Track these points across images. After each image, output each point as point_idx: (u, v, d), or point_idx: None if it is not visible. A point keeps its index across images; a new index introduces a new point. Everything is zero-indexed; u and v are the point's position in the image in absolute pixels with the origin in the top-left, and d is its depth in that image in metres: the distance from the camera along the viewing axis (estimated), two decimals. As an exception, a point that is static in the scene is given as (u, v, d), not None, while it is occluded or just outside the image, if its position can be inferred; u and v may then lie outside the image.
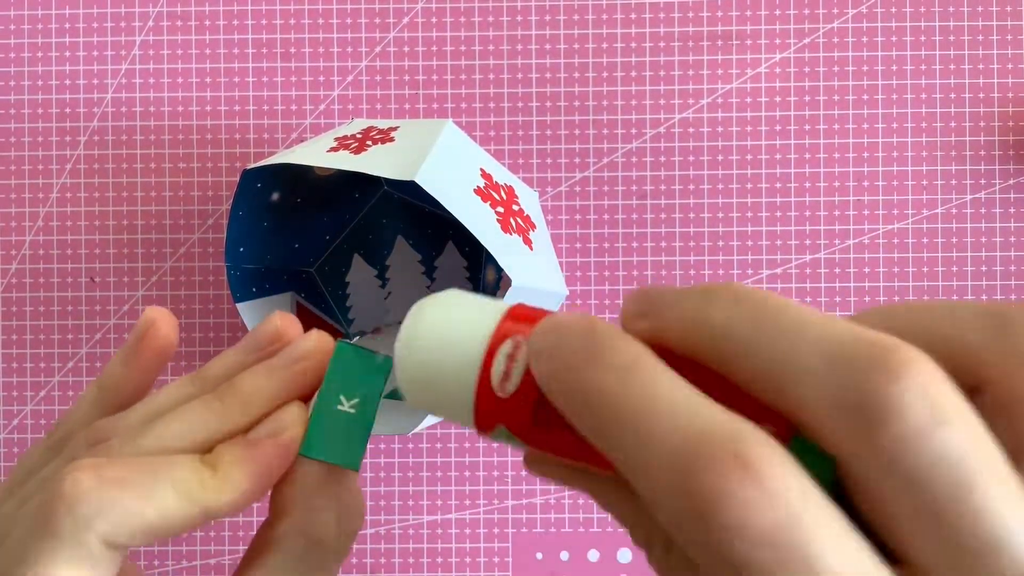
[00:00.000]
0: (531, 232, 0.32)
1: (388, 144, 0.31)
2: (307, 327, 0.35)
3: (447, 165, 0.30)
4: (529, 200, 0.34)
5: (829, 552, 0.13)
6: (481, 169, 0.32)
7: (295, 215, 0.37)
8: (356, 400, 0.23)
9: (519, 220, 0.32)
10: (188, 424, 0.22)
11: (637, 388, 0.15)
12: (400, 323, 0.37)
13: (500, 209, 0.31)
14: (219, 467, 0.21)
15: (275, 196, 0.36)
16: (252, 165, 0.33)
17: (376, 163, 0.30)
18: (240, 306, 0.34)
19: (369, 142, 0.31)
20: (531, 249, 0.31)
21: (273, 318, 0.23)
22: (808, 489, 0.14)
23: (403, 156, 0.30)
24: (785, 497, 0.13)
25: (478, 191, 0.31)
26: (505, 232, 0.30)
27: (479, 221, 0.29)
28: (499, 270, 0.38)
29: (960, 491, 0.13)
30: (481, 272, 0.39)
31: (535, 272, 0.31)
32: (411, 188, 0.38)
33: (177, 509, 0.20)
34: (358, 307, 0.39)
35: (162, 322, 0.25)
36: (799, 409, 0.14)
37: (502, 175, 0.33)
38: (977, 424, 0.14)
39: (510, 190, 0.32)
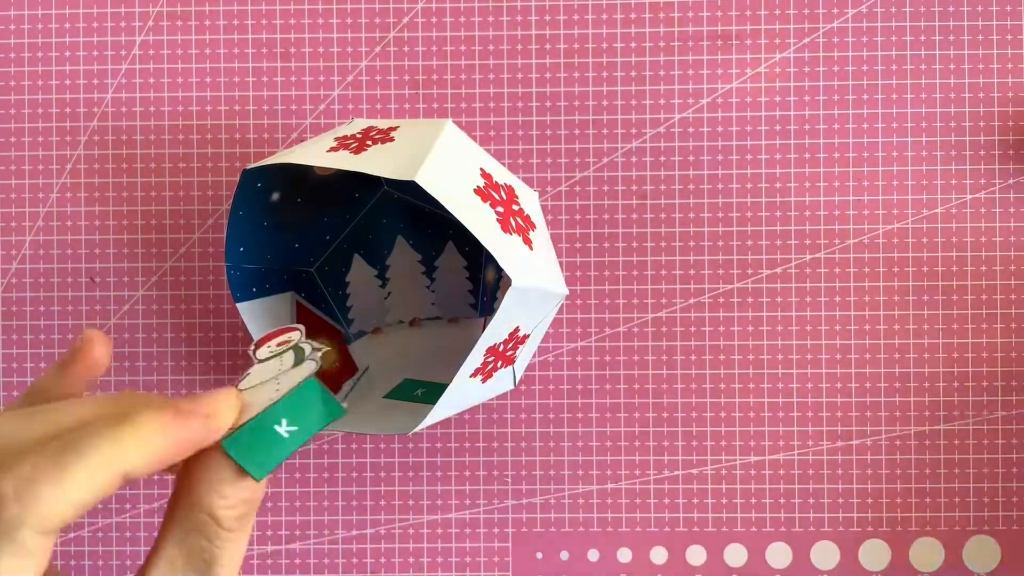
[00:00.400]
0: (531, 232, 0.32)
1: (388, 144, 0.31)
2: (308, 327, 0.35)
3: (447, 165, 0.30)
4: (529, 200, 0.34)
5: None
6: (481, 169, 0.32)
7: (295, 215, 0.36)
8: (295, 428, 0.24)
9: (519, 220, 0.32)
10: (84, 408, 0.24)
11: None
12: (400, 322, 0.37)
13: (500, 209, 0.31)
14: (139, 429, 0.23)
15: (275, 196, 0.36)
16: (252, 165, 0.33)
17: (376, 163, 0.30)
18: (240, 306, 0.34)
19: (369, 142, 0.31)
20: (531, 249, 0.31)
21: (85, 334, 0.27)
22: None
23: (403, 156, 0.30)
24: None
25: (478, 191, 0.31)
26: (505, 232, 0.30)
27: (479, 221, 0.29)
28: (499, 270, 0.38)
29: None
30: (481, 272, 0.39)
31: (535, 272, 0.31)
32: (411, 188, 0.38)
33: (98, 482, 0.22)
34: (358, 307, 0.39)
35: (97, 343, 0.27)
36: None
37: (502, 175, 0.33)
38: None
39: (510, 190, 0.32)
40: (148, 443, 0.22)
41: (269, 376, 0.27)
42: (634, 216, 0.39)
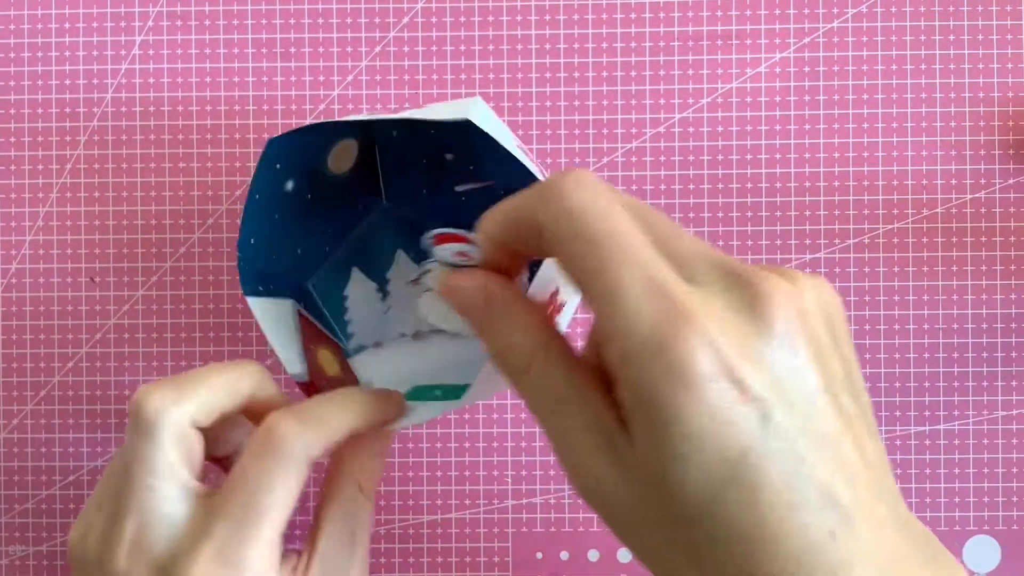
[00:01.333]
0: None
1: (424, 108, 0.31)
2: (312, 340, 0.35)
3: (491, 120, 0.31)
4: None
5: (623, 218, 0.24)
6: (516, 136, 0.33)
7: (302, 214, 0.36)
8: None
9: None
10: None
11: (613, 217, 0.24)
12: (403, 336, 0.37)
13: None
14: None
15: (289, 185, 0.35)
16: (281, 135, 0.32)
17: (424, 113, 0.31)
18: (251, 301, 0.33)
19: (407, 105, 0.32)
20: None
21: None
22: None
23: (446, 111, 0.31)
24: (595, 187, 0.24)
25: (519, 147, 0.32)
26: None
27: (531, 164, 0.31)
28: None
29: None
30: None
31: None
32: (413, 203, 0.38)
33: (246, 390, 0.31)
34: (358, 321, 0.38)
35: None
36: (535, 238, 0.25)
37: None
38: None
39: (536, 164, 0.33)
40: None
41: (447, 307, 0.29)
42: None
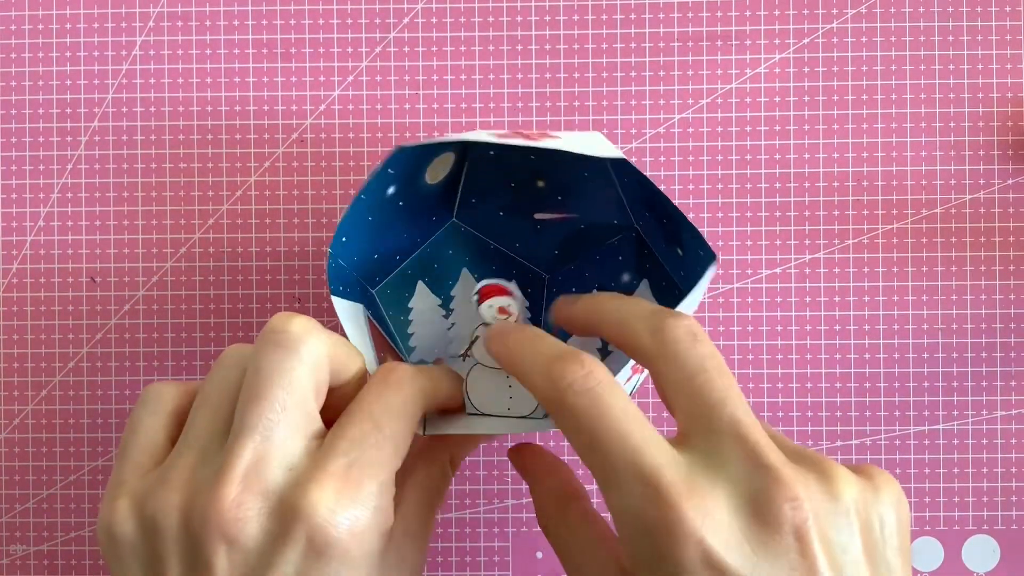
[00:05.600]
0: None
1: (556, 138, 0.31)
2: (380, 348, 0.35)
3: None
4: None
5: (618, 401, 0.26)
6: None
7: (392, 220, 0.35)
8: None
9: None
10: None
11: (531, 340, 0.29)
12: (462, 356, 0.37)
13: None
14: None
15: (391, 190, 0.34)
16: (411, 144, 0.30)
17: (567, 144, 0.30)
18: (337, 301, 0.32)
19: (536, 132, 0.32)
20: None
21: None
22: (609, 375, 0.27)
23: (590, 144, 0.31)
24: (597, 374, 0.26)
25: None
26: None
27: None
28: None
29: (698, 371, 0.26)
30: (542, 314, 0.38)
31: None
32: (484, 223, 0.37)
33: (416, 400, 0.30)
34: (420, 335, 0.37)
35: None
36: (632, 345, 0.28)
37: None
38: (706, 344, 0.27)
39: None
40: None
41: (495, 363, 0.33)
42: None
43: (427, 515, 0.31)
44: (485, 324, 0.35)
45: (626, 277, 0.37)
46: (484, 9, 0.40)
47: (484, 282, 0.35)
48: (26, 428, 0.40)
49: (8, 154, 0.40)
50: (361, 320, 0.34)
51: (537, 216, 0.37)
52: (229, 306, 0.40)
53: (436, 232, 0.38)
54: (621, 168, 0.34)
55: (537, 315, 0.38)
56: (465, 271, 0.38)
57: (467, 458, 0.40)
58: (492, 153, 0.35)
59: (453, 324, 0.38)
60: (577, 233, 0.37)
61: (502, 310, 0.35)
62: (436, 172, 0.35)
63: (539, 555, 0.40)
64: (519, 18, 0.40)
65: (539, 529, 0.39)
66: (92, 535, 0.40)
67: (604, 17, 0.39)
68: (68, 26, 0.40)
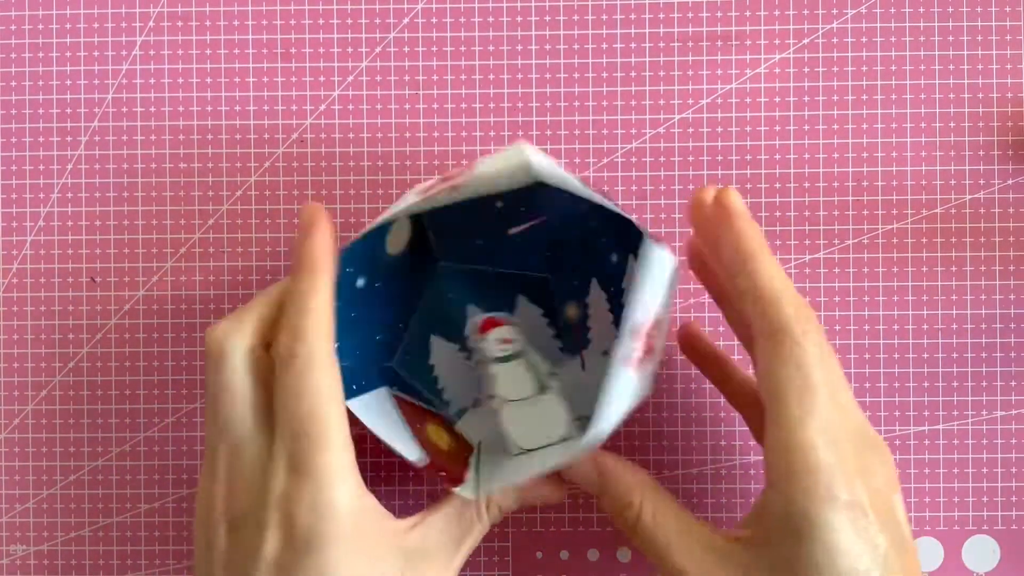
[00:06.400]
0: None
1: (471, 171, 0.31)
2: (416, 420, 0.35)
3: (544, 162, 0.31)
4: None
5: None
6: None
7: (374, 303, 0.36)
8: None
9: None
10: None
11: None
12: (489, 398, 0.37)
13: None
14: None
15: (360, 282, 0.35)
16: (352, 241, 0.32)
17: (476, 182, 0.31)
18: (351, 403, 0.33)
19: (454, 173, 0.32)
20: None
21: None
22: None
23: (499, 166, 0.31)
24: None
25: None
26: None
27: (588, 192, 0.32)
28: (583, 306, 0.37)
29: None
30: (560, 315, 0.38)
31: None
32: (469, 256, 0.37)
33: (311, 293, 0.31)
34: (450, 387, 0.37)
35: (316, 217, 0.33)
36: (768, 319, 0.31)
37: None
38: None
39: None
40: (321, 263, 0.32)
41: (522, 391, 0.36)
42: (634, 217, 0.39)
43: (454, 544, 0.33)
44: (496, 359, 0.36)
45: (614, 258, 0.36)
46: (484, 9, 0.40)
47: (477, 319, 0.36)
48: (26, 428, 0.40)
49: (8, 154, 0.40)
50: (387, 405, 0.35)
51: (511, 232, 0.37)
52: (229, 306, 0.40)
53: (427, 284, 0.38)
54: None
55: (554, 317, 0.38)
56: (471, 307, 0.38)
57: (467, 458, 0.40)
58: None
59: (478, 363, 0.38)
60: (555, 228, 0.37)
61: (505, 340, 0.36)
62: (397, 242, 0.36)
63: (539, 555, 0.40)
64: (519, 18, 0.40)
65: (539, 529, 0.39)
66: (92, 535, 0.40)
67: (604, 17, 0.39)
68: (68, 26, 0.40)
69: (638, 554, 0.39)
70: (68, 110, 0.40)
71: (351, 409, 0.32)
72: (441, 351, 0.37)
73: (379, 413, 0.34)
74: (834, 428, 0.30)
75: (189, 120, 0.40)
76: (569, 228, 0.37)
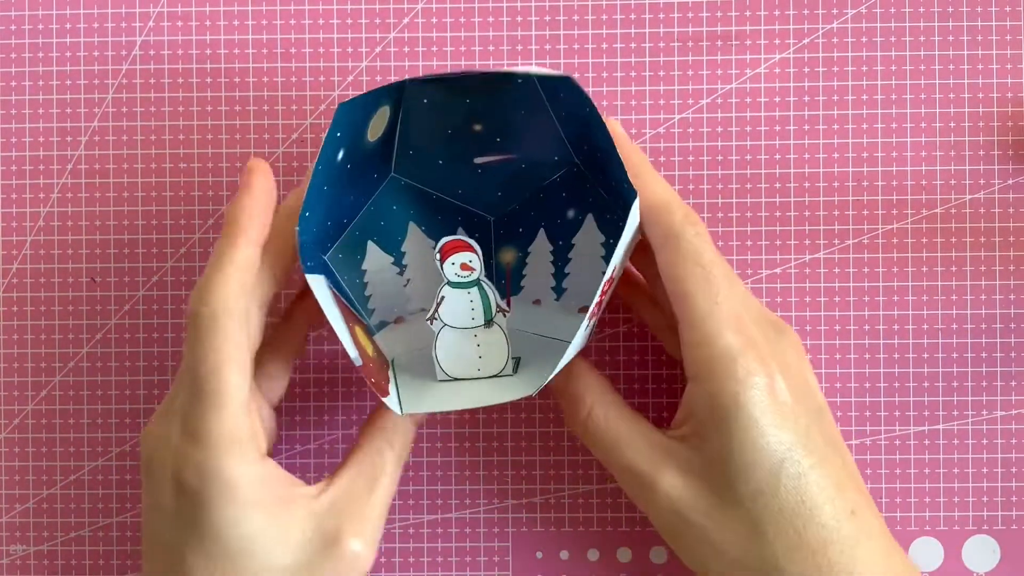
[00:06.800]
0: None
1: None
2: (348, 319, 0.35)
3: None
4: None
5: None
6: None
7: (341, 184, 0.34)
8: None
9: None
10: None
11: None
12: (422, 310, 0.37)
13: None
14: (229, 225, 0.33)
15: (340, 155, 0.33)
16: (351, 97, 0.31)
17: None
18: (308, 277, 0.32)
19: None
20: None
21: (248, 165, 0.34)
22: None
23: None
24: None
25: None
26: None
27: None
28: (523, 253, 0.37)
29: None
30: (493, 258, 0.38)
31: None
32: (426, 174, 0.37)
33: (236, 263, 0.32)
34: (378, 296, 0.37)
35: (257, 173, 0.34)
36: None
37: None
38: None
39: None
40: (246, 224, 0.32)
41: (465, 321, 0.35)
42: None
43: (368, 491, 0.34)
44: (450, 283, 0.35)
45: (571, 213, 0.37)
46: (484, 9, 0.40)
47: (443, 240, 0.35)
48: (26, 428, 0.40)
49: (8, 154, 0.40)
50: (328, 294, 0.34)
51: (477, 161, 0.37)
52: (229, 306, 0.40)
53: (378, 189, 0.37)
54: (557, 100, 0.34)
55: (488, 258, 0.38)
56: (412, 225, 0.37)
57: (467, 458, 0.40)
58: (426, 102, 0.34)
59: (408, 280, 0.37)
60: (518, 173, 0.37)
61: (464, 266, 0.35)
62: (375, 129, 0.34)
63: (539, 555, 0.40)
64: (519, 18, 0.40)
65: (539, 529, 0.40)
66: (92, 535, 0.40)
67: (604, 17, 0.39)
68: (68, 26, 0.40)
69: (638, 554, 0.39)
70: (68, 110, 0.40)
71: (308, 281, 0.32)
72: (376, 259, 0.37)
73: (323, 294, 0.33)
74: (740, 315, 0.32)
75: (189, 120, 0.40)
76: (535, 173, 0.37)
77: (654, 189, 0.33)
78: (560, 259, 0.37)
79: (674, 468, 0.32)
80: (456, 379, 0.36)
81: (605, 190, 0.35)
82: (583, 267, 0.37)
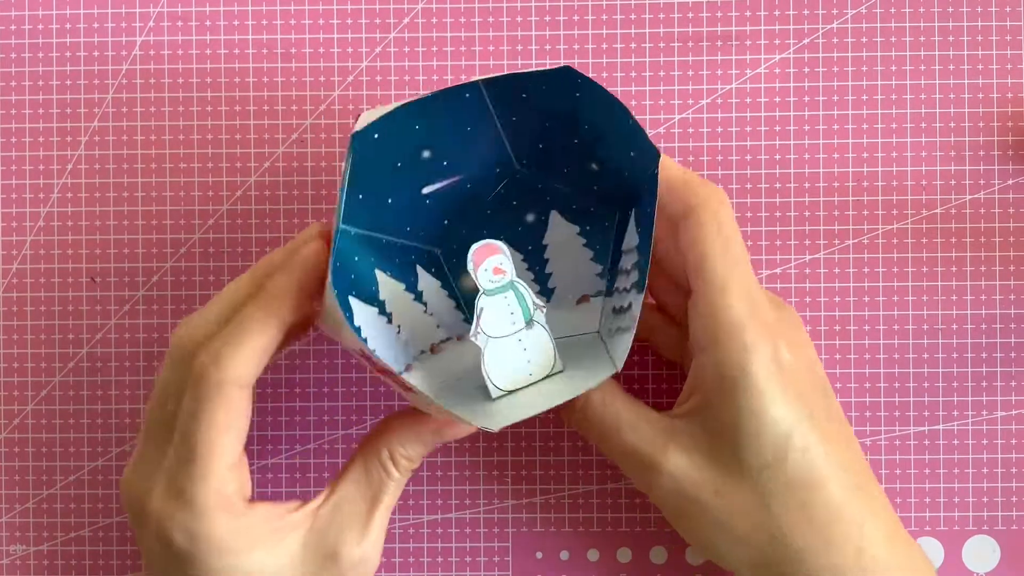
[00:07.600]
0: None
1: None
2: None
3: None
4: None
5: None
6: None
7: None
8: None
9: None
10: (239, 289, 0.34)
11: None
12: (422, 352, 0.36)
13: None
14: (271, 296, 0.32)
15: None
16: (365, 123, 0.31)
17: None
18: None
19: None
20: None
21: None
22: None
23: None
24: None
25: None
26: None
27: None
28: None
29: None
30: (456, 288, 0.37)
31: None
32: (369, 217, 0.35)
33: (264, 340, 0.31)
34: (380, 349, 0.35)
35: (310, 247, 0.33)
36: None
37: None
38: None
39: None
40: (283, 303, 0.31)
41: (507, 328, 0.34)
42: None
43: (365, 511, 0.33)
44: (486, 292, 0.34)
45: (530, 218, 0.37)
46: (484, 9, 0.40)
47: (474, 247, 0.34)
48: (26, 428, 0.40)
49: (8, 154, 0.40)
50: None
51: (425, 191, 0.36)
52: (229, 306, 0.40)
53: (334, 245, 0.34)
54: (509, 107, 0.33)
55: (451, 291, 0.37)
56: (378, 272, 0.36)
57: (467, 458, 0.40)
58: (376, 136, 0.32)
59: (399, 328, 0.36)
60: (464, 195, 0.36)
61: (496, 270, 0.34)
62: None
63: (539, 555, 0.40)
64: (519, 18, 0.40)
65: (539, 529, 0.40)
66: (92, 535, 0.40)
67: (604, 17, 0.39)
68: (68, 26, 0.40)
69: (638, 554, 0.39)
70: (68, 110, 0.40)
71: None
72: (362, 313, 0.35)
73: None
74: (754, 291, 0.32)
75: (189, 120, 0.40)
76: (480, 191, 0.36)
77: (673, 169, 0.33)
78: (536, 262, 0.37)
79: (678, 447, 0.32)
80: (510, 392, 0.34)
81: (565, 181, 0.35)
82: (564, 260, 0.37)
